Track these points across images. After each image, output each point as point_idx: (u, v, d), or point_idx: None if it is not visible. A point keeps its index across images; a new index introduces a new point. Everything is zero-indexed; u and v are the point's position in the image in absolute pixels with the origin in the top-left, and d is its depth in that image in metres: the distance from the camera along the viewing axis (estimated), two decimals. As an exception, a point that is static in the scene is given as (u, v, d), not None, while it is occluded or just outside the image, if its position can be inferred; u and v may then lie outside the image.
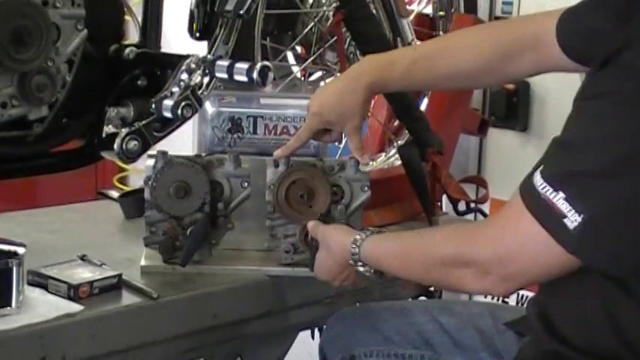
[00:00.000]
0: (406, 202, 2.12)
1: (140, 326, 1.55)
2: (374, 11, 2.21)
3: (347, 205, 1.69)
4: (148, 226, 1.68)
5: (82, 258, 1.64)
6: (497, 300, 2.49)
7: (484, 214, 2.20)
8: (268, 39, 2.13)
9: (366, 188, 1.70)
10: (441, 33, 2.52)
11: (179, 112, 1.73)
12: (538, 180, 1.24)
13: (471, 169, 2.83)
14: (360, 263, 1.51)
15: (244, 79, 1.72)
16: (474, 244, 1.33)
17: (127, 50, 1.78)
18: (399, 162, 2.10)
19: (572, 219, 1.20)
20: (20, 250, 1.49)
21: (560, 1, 1.53)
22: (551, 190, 1.22)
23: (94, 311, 1.50)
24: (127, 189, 2.53)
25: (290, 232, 1.69)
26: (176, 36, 1.96)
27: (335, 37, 2.15)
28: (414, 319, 1.62)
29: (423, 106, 2.37)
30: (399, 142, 2.28)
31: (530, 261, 1.27)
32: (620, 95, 1.20)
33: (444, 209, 2.22)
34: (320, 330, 1.92)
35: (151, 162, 1.67)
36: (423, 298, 2.06)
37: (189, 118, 1.77)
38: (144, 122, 1.76)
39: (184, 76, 1.76)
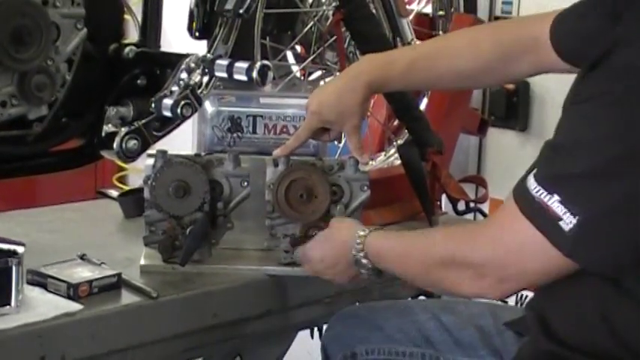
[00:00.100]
0: (406, 201, 2.12)
1: (140, 325, 1.55)
2: (373, 11, 2.21)
3: (346, 205, 1.69)
4: (147, 226, 1.68)
5: (82, 257, 1.64)
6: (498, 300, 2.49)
7: (484, 214, 2.20)
8: (268, 38, 2.13)
9: (366, 188, 1.70)
10: (440, 33, 2.53)
11: (179, 111, 1.73)
12: (532, 183, 1.24)
13: (470, 169, 2.83)
14: (362, 254, 1.50)
15: (244, 78, 1.72)
16: (473, 245, 1.34)
17: (127, 49, 1.78)
18: (399, 161, 2.11)
19: (568, 221, 1.20)
20: (20, 249, 1.49)
21: (560, 1, 1.53)
22: (545, 193, 1.22)
23: (93, 310, 1.50)
24: (126, 188, 2.53)
25: (290, 231, 1.68)
26: (176, 35, 1.96)
27: (335, 37, 2.15)
28: (415, 317, 1.62)
29: (423, 106, 2.37)
30: (399, 142, 2.28)
31: (527, 264, 1.28)
32: (611, 96, 1.20)
33: (443, 209, 2.22)
34: (319, 330, 1.92)
35: (151, 161, 1.67)
36: (422, 297, 2.06)
37: (189, 117, 1.77)
38: (143, 121, 1.76)
39: (184, 75, 1.76)
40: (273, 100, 1.85)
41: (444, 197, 2.17)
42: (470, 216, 2.22)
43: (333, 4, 2.13)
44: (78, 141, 1.81)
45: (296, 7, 2.15)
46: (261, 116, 1.80)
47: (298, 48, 2.25)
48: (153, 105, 1.76)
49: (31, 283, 1.54)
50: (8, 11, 1.54)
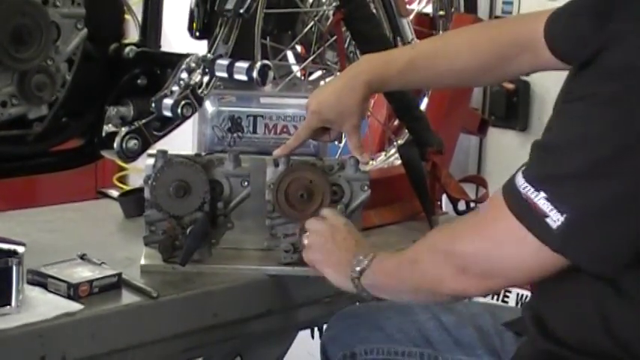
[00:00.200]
0: (406, 201, 2.12)
1: (140, 325, 1.55)
2: (374, 11, 2.21)
3: (347, 205, 1.69)
4: (147, 226, 1.68)
5: (82, 257, 1.64)
6: (498, 299, 2.49)
7: (484, 214, 2.20)
8: (268, 38, 2.13)
9: (366, 187, 1.70)
10: (441, 33, 2.53)
11: (179, 111, 1.73)
12: (520, 180, 1.24)
13: (470, 169, 2.83)
14: (357, 281, 1.50)
15: (244, 78, 1.72)
16: (457, 237, 1.35)
17: (127, 49, 1.78)
18: (399, 161, 2.11)
19: (555, 218, 1.20)
20: (20, 249, 1.49)
21: (561, 1, 1.53)
22: (532, 190, 1.22)
23: (93, 310, 1.50)
24: (126, 188, 2.54)
25: (290, 231, 1.68)
26: (176, 35, 1.96)
27: (335, 37, 2.15)
28: (415, 317, 1.62)
29: (423, 106, 2.38)
30: (399, 142, 2.28)
31: (508, 259, 1.28)
32: (600, 97, 1.20)
33: (443, 209, 2.22)
34: (320, 329, 1.92)
35: (151, 161, 1.67)
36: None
37: (189, 117, 1.77)
38: (144, 121, 1.76)
39: (184, 75, 1.76)
40: (274, 100, 1.84)
41: (444, 197, 2.17)
42: (470, 216, 2.22)
43: (334, 4, 2.13)
44: (78, 141, 1.81)
45: (296, 7, 2.15)
46: (262, 116, 1.80)
47: (298, 48, 2.25)
48: (153, 105, 1.76)
49: (31, 283, 1.54)
50: (8, 11, 1.54)
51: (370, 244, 1.59)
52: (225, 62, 1.74)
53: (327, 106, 1.67)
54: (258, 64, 1.71)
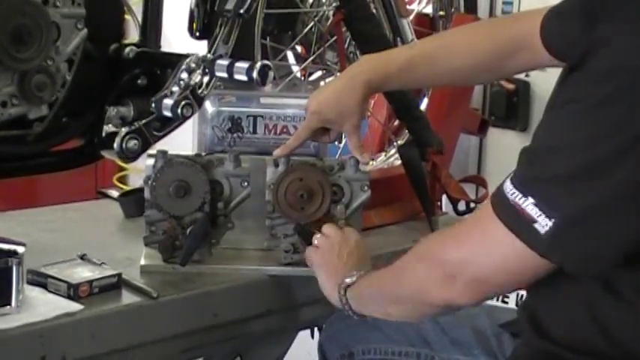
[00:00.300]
0: (406, 201, 2.12)
1: (140, 325, 1.55)
2: (374, 11, 2.21)
3: (347, 205, 1.69)
4: (147, 226, 1.68)
5: (82, 257, 1.64)
6: (498, 300, 2.49)
7: (484, 214, 2.20)
8: (268, 38, 2.13)
9: (366, 188, 1.70)
10: (440, 33, 2.53)
11: (179, 111, 1.73)
12: (507, 186, 1.24)
13: (470, 169, 2.83)
14: (344, 301, 1.51)
15: (244, 78, 1.72)
16: (444, 244, 1.34)
17: (127, 49, 1.78)
18: (399, 162, 2.11)
19: (543, 223, 1.20)
20: (20, 249, 1.50)
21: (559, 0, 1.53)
22: (520, 195, 1.21)
23: (93, 310, 1.50)
24: (126, 188, 2.54)
25: (290, 231, 1.68)
26: (176, 35, 1.96)
27: (335, 37, 2.15)
28: (413, 317, 1.62)
29: (423, 106, 2.37)
30: (399, 142, 2.28)
31: (497, 266, 1.27)
32: (589, 99, 1.19)
33: (443, 209, 2.22)
34: (320, 329, 1.92)
35: (151, 161, 1.67)
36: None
37: (189, 117, 1.77)
38: (144, 121, 1.76)
39: (184, 75, 1.76)
40: (274, 100, 1.85)
41: (444, 197, 2.17)
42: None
43: (334, 4, 2.13)
44: (78, 141, 1.81)
45: (296, 7, 2.15)
46: (262, 116, 1.80)
47: (299, 48, 2.25)
48: (153, 105, 1.76)
49: (31, 283, 1.54)
50: (8, 11, 1.54)
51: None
52: (225, 62, 1.74)
53: (327, 106, 1.67)
54: (258, 65, 1.71)
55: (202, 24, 1.89)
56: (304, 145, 1.73)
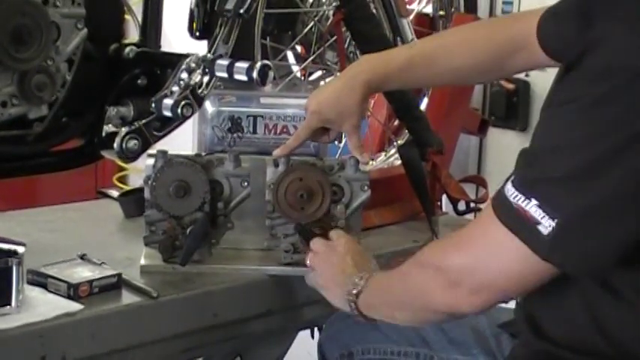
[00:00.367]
0: (406, 201, 2.12)
1: (140, 325, 1.55)
2: (374, 11, 2.21)
3: (347, 205, 1.69)
4: (147, 226, 1.68)
5: (82, 257, 1.64)
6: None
7: (484, 214, 2.20)
8: (268, 38, 2.13)
9: (366, 188, 1.70)
10: (440, 33, 2.53)
11: (179, 111, 1.73)
12: (509, 189, 1.23)
13: (470, 169, 2.83)
14: (353, 305, 1.49)
15: (244, 78, 1.72)
16: (446, 251, 1.34)
17: (127, 49, 1.78)
18: (399, 162, 2.11)
19: (546, 224, 1.19)
20: (20, 249, 1.50)
21: (559, 0, 1.53)
22: (522, 198, 1.21)
23: (93, 310, 1.50)
24: (126, 188, 2.54)
25: (290, 231, 1.68)
26: (176, 35, 1.96)
27: (335, 37, 2.15)
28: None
29: (423, 106, 2.38)
30: (399, 142, 2.28)
31: (501, 271, 1.26)
32: (585, 99, 1.19)
33: (443, 209, 2.22)
34: (319, 329, 1.92)
35: (151, 161, 1.67)
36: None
37: (189, 117, 1.77)
38: (144, 121, 1.76)
39: (184, 75, 1.76)
40: (274, 100, 1.84)
41: (444, 197, 2.17)
42: (470, 216, 2.22)
43: (334, 4, 2.13)
44: (78, 141, 1.81)
45: (296, 7, 2.15)
46: (262, 116, 1.80)
47: (299, 48, 2.25)
48: (153, 105, 1.76)
49: (31, 283, 1.54)
50: (8, 11, 1.54)
51: (373, 263, 1.57)
52: (225, 62, 1.74)
53: (326, 106, 1.67)
54: (258, 65, 1.71)
55: (202, 24, 1.89)
56: (304, 145, 1.72)
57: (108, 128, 1.77)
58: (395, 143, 2.32)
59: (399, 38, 2.25)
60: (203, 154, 1.73)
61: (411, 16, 2.37)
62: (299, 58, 2.25)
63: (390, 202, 2.10)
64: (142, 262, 1.69)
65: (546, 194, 1.20)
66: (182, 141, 1.83)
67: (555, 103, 1.26)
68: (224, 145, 1.79)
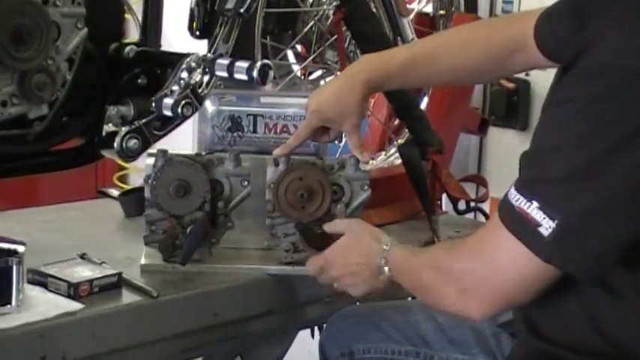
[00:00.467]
0: (406, 201, 2.12)
1: (140, 325, 1.55)
2: (374, 10, 2.21)
3: (347, 204, 1.69)
4: (147, 225, 1.68)
5: (82, 256, 1.64)
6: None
7: (484, 213, 2.21)
8: (268, 38, 2.13)
9: (366, 187, 1.70)
10: (441, 32, 2.53)
11: (179, 110, 1.73)
12: (512, 193, 1.25)
13: (471, 168, 2.83)
14: (385, 267, 1.49)
15: (244, 77, 1.72)
16: (456, 257, 1.35)
17: (127, 49, 1.78)
18: (399, 161, 2.11)
19: (547, 226, 1.20)
20: (20, 249, 1.50)
21: (559, 0, 1.53)
22: (524, 200, 1.22)
23: (94, 310, 1.50)
24: (127, 187, 2.54)
25: (290, 230, 1.68)
26: (176, 34, 1.96)
27: (335, 36, 2.15)
28: (413, 317, 1.62)
29: (423, 105, 2.38)
30: (399, 141, 2.28)
31: (508, 278, 1.27)
32: (582, 98, 1.20)
33: (444, 208, 2.22)
34: (320, 329, 1.92)
35: (151, 160, 1.67)
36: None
37: (190, 116, 1.77)
38: (144, 121, 1.76)
39: (184, 74, 1.76)
40: (274, 99, 1.84)
41: (444, 196, 2.17)
42: (470, 215, 2.22)
43: (334, 3, 2.13)
44: (78, 140, 1.81)
45: (297, 6, 2.15)
46: (262, 115, 1.80)
47: (299, 47, 2.25)
48: (153, 104, 1.76)
49: (31, 282, 1.54)
50: (8, 10, 1.54)
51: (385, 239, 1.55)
52: (225, 62, 1.74)
53: (327, 105, 1.67)
54: (259, 64, 1.71)
55: (202, 23, 1.89)
56: (304, 145, 1.72)
57: (108, 127, 1.77)
58: (395, 142, 2.32)
59: (399, 38, 2.25)
60: (203, 153, 1.73)
61: (412, 16, 2.37)
62: (299, 58, 2.25)
63: (391, 202, 2.10)
64: (142, 261, 1.69)
65: (546, 195, 1.20)
66: (182, 140, 1.83)
67: (554, 103, 1.26)
68: (224, 144, 1.79)
